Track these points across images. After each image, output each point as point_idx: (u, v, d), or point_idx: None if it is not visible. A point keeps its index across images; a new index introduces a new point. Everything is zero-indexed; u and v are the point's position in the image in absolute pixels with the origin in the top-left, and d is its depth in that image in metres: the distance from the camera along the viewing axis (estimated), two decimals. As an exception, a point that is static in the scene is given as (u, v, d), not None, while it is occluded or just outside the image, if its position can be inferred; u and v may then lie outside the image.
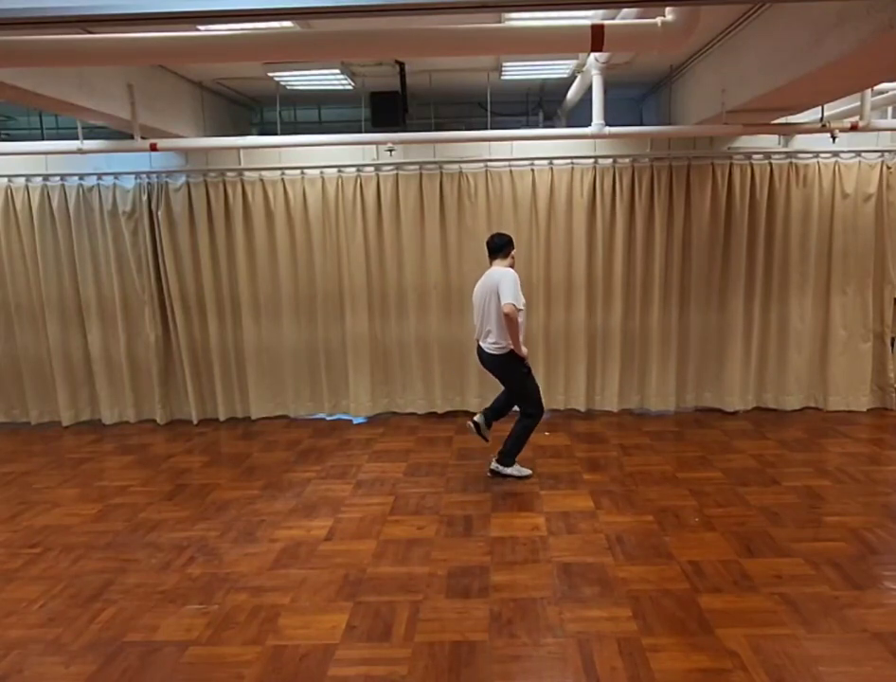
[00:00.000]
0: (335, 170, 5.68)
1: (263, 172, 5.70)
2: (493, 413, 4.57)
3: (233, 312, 5.91)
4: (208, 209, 5.74)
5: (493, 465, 4.48)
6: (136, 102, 4.49)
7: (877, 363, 5.75)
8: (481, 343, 4.36)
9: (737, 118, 4.54)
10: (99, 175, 5.70)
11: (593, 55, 4.28)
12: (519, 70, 5.33)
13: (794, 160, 5.53)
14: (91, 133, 5.14)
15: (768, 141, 5.51)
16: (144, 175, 5.68)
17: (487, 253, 4.41)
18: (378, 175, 5.68)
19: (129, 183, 5.70)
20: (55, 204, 5.73)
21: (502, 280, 4.16)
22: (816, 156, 5.53)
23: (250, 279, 5.85)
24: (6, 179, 5.70)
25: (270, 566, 3.39)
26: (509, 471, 4.46)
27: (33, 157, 5.55)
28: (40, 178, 5.70)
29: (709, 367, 5.85)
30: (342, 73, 5.11)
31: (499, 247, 4.35)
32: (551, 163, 5.61)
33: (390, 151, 4.97)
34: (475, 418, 4.52)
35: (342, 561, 3.42)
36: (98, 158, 5.54)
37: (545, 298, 5.76)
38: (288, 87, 5.58)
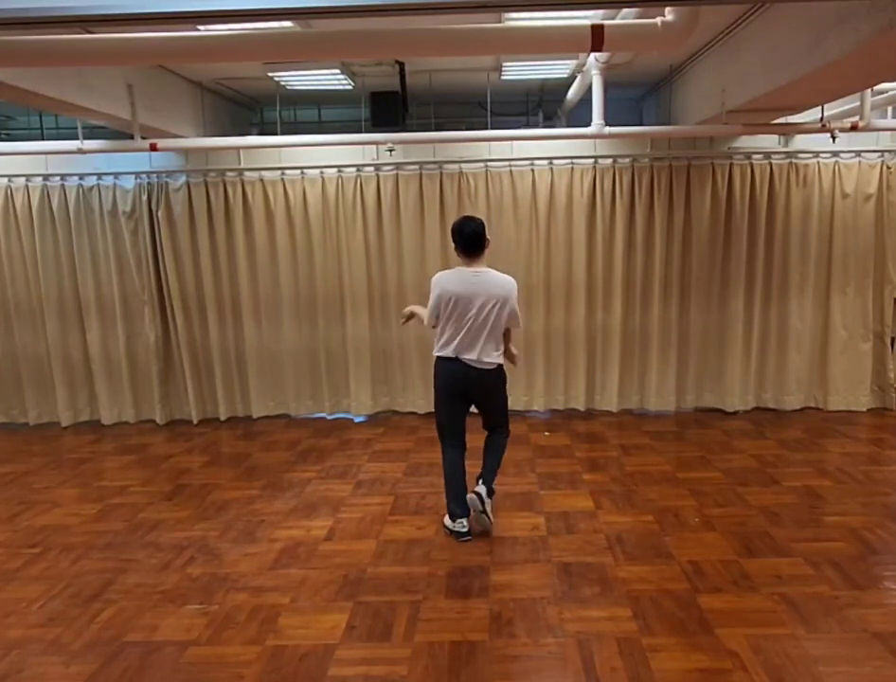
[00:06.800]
0: (335, 170, 5.67)
1: (263, 172, 5.70)
2: (490, 473, 3.71)
3: (233, 311, 5.91)
4: (208, 209, 5.73)
5: (481, 489, 3.60)
6: (136, 102, 4.49)
7: (877, 363, 5.75)
8: (468, 359, 3.48)
9: (737, 118, 4.54)
10: (99, 175, 5.69)
11: (593, 55, 4.28)
12: (519, 70, 5.33)
13: (794, 160, 5.53)
14: (91, 133, 5.13)
15: (768, 141, 5.51)
16: (144, 175, 5.67)
17: (463, 248, 3.52)
18: (378, 175, 5.68)
19: (129, 183, 5.70)
20: (55, 204, 5.73)
21: (513, 293, 3.53)
22: (816, 156, 5.52)
23: (250, 279, 5.85)
24: (6, 179, 5.69)
25: (270, 566, 3.38)
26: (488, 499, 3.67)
27: (33, 157, 5.54)
28: (40, 178, 5.70)
29: (709, 367, 5.85)
30: (342, 73, 5.12)
31: (482, 239, 3.50)
32: (551, 163, 5.61)
33: (390, 151, 4.96)
34: (477, 489, 3.59)
35: (342, 561, 3.41)
36: (98, 158, 5.53)
37: (544, 298, 5.75)
38: (288, 87, 5.58)
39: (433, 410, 5.94)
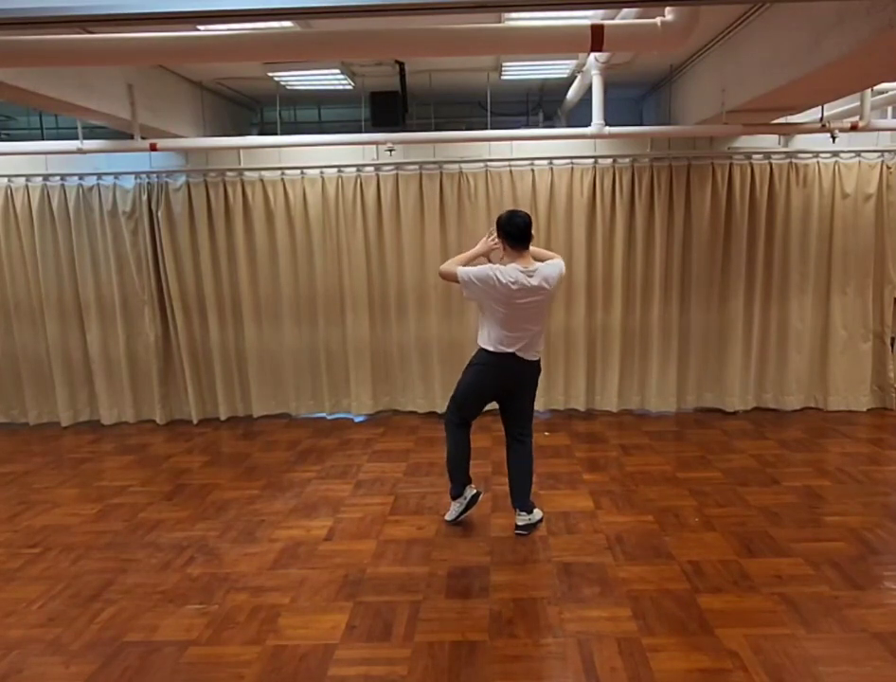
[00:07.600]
0: (335, 170, 5.67)
1: (263, 172, 5.70)
2: (522, 491, 3.71)
3: (233, 311, 5.91)
4: (208, 209, 5.73)
5: (524, 521, 3.66)
6: (136, 102, 4.49)
7: (877, 363, 5.75)
8: (523, 354, 3.50)
9: (737, 118, 4.53)
10: (99, 175, 5.69)
11: (593, 55, 4.28)
12: (519, 70, 5.33)
13: (794, 160, 5.53)
14: (91, 133, 5.14)
15: (768, 141, 5.51)
16: (144, 175, 5.67)
17: (514, 240, 3.44)
18: (378, 175, 5.68)
19: (129, 183, 5.70)
20: (55, 204, 5.72)
21: (557, 279, 3.54)
22: (816, 156, 5.52)
23: (250, 279, 5.85)
24: (6, 179, 5.69)
25: (270, 566, 3.39)
26: (538, 515, 3.75)
27: (33, 157, 5.54)
28: (40, 178, 5.69)
29: (709, 367, 5.84)
30: (342, 73, 5.11)
31: (530, 230, 3.48)
32: (551, 163, 5.61)
33: (390, 151, 4.96)
34: (519, 522, 3.65)
35: (342, 561, 3.41)
36: (97, 158, 5.53)
37: (545, 298, 5.75)
38: (288, 87, 5.58)
39: (433, 410, 5.98)
